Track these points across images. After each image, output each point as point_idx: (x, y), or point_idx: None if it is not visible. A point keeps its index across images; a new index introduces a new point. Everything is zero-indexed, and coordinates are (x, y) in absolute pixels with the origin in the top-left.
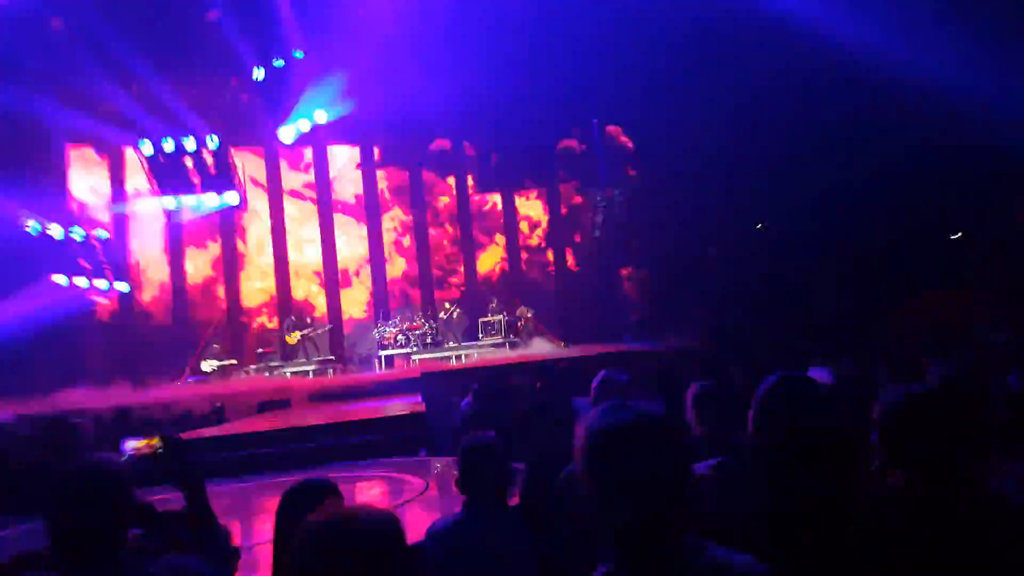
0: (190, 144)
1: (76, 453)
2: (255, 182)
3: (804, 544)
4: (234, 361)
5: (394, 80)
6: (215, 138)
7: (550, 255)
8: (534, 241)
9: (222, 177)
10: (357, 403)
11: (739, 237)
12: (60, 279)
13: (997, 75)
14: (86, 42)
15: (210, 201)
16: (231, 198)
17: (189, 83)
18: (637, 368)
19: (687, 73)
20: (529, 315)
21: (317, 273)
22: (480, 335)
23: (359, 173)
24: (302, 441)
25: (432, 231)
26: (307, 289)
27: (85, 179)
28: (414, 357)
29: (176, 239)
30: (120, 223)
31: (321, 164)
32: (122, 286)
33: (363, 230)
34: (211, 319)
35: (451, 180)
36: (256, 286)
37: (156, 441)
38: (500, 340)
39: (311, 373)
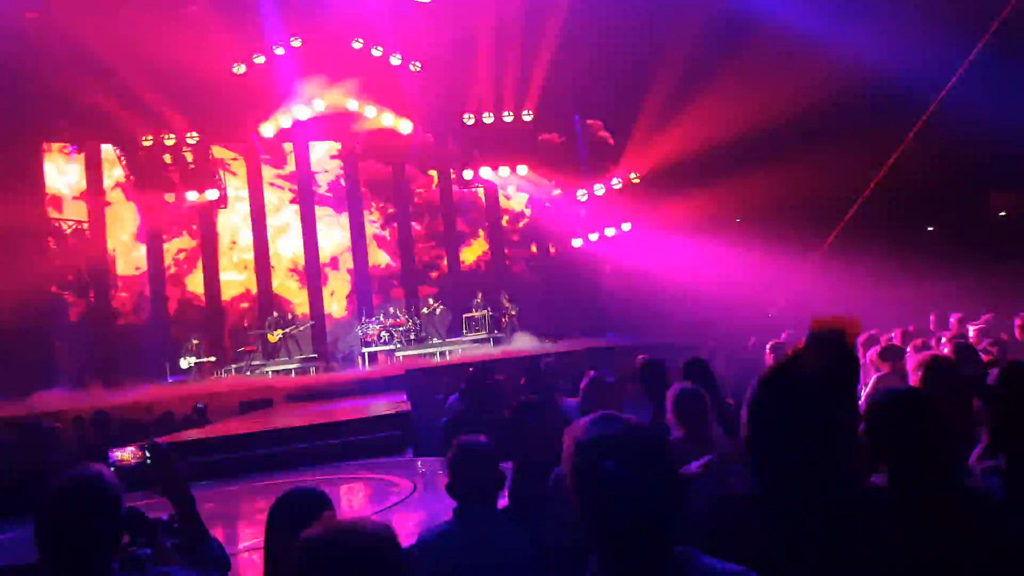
0: (169, 140)
1: (55, 458)
2: (224, 167)
3: (796, 538)
4: (213, 358)
5: (378, 75)
6: (195, 135)
7: (533, 248)
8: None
9: (202, 173)
10: (341, 402)
11: (721, 230)
12: None
13: (967, 68)
14: (61, 36)
15: (191, 198)
16: (212, 195)
17: (168, 78)
18: (621, 363)
19: (670, 66)
20: (513, 311)
21: (293, 270)
22: (464, 330)
23: (333, 164)
24: (286, 443)
25: (416, 225)
26: (280, 280)
27: (61, 175)
28: (398, 354)
29: (154, 236)
30: (96, 219)
31: (303, 160)
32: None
33: (337, 221)
34: (188, 315)
35: (433, 173)
36: (228, 279)
37: (142, 451)
38: (484, 335)
39: (293, 371)
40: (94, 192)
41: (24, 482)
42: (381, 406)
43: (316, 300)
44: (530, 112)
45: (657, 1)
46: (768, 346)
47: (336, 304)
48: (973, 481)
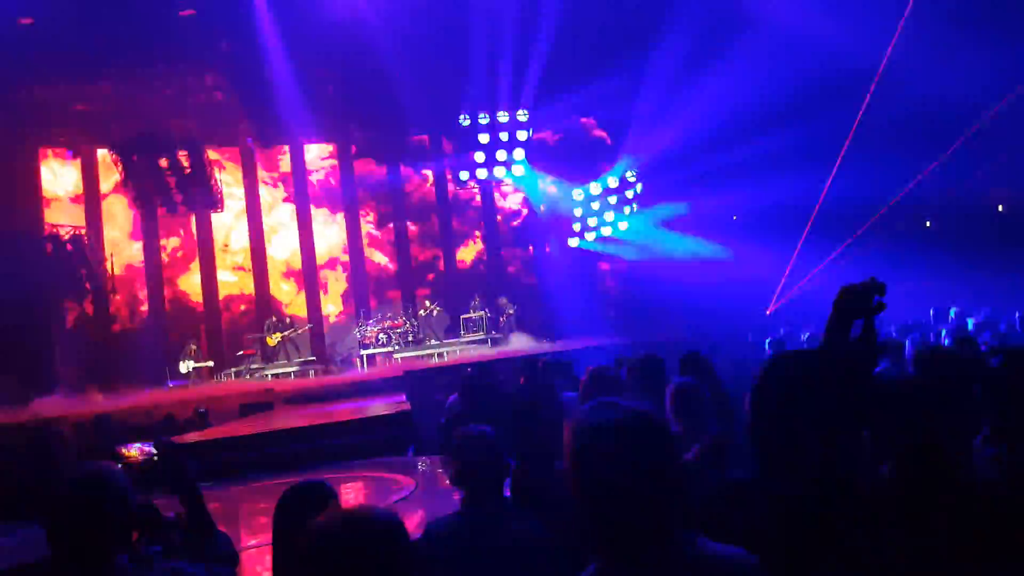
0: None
1: (60, 462)
2: (220, 166)
3: (797, 525)
4: (210, 363)
5: (371, 76)
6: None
7: (530, 248)
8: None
9: (198, 177)
10: (341, 404)
11: (717, 227)
12: None
13: (970, 61)
14: (57, 40)
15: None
16: (209, 202)
17: (163, 81)
18: (619, 360)
19: (663, 66)
20: (510, 310)
21: (288, 274)
22: (461, 331)
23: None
24: (287, 444)
25: (411, 226)
26: (273, 282)
27: (57, 179)
28: (396, 355)
29: (152, 244)
30: (94, 225)
31: (298, 163)
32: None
33: (333, 221)
34: (183, 317)
35: (428, 173)
36: (221, 279)
37: (152, 448)
38: (481, 336)
39: (292, 374)
40: (91, 197)
41: (31, 486)
42: (380, 407)
43: (314, 303)
44: (525, 112)
45: None
46: (767, 342)
47: (332, 306)
48: (975, 471)
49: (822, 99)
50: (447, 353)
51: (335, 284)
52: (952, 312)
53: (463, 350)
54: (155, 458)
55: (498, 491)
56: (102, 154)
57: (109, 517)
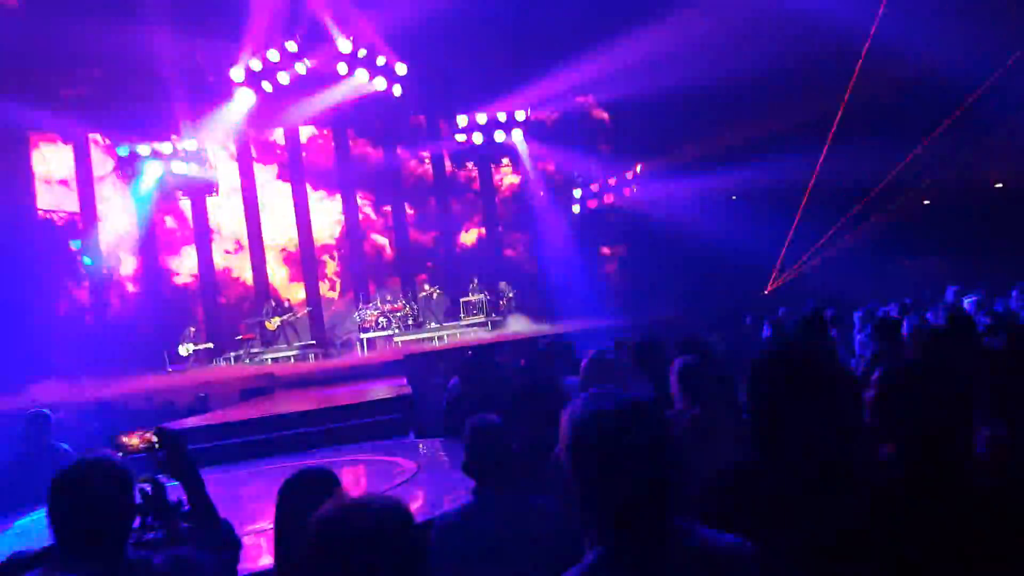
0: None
1: (59, 447)
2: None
3: (796, 509)
4: (210, 345)
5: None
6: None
7: (529, 232)
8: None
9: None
10: (341, 387)
11: (716, 207)
12: None
13: (971, 42)
14: (46, 23)
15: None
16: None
17: (156, 61)
18: (618, 342)
19: (661, 42)
20: (510, 293)
21: (286, 259)
22: (461, 314)
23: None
24: (289, 427)
25: (409, 209)
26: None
27: (50, 165)
28: (396, 339)
29: (149, 223)
30: (88, 209)
31: (294, 146)
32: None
33: (328, 203)
34: (179, 300)
35: (425, 154)
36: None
37: (151, 435)
38: (481, 319)
39: (293, 359)
40: (84, 182)
41: (30, 470)
42: (381, 390)
43: (312, 287)
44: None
45: None
46: (766, 322)
47: (329, 289)
48: (976, 453)
49: (814, 76)
50: (447, 336)
51: (331, 266)
52: (950, 292)
53: (463, 333)
54: (156, 445)
55: (508, 480)
56: (94, 138)
57: (108, 505)
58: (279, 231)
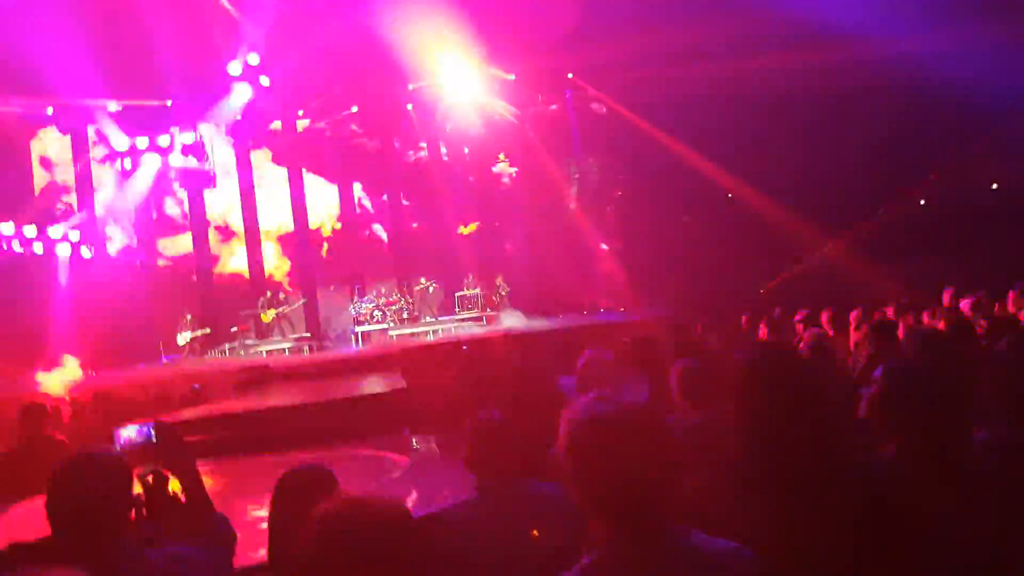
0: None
1: (55, 439)
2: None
3: (790, 509)
4: (207, 330)
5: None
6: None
7: (527, 225)
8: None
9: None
10: (336, 380)
11: (713, 204)
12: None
13: (962, 38)
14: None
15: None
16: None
17: (154, 54)
18: (614, 339)
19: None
20: (505, 289)
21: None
22: (457, 309)
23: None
24: (283, 421)
25: (405, 201)
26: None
27: (48, 152)
28: (391, 333)
29: (144, 211)
30: (86, 200)
31: (290, 135)
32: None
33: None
34: (175, 287)
35: (424, 144)
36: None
37: (147, 429)
38: (477, 314)
39: (287, 351)
40: (81, 171)
41: (27, 461)
42: (376, 384)
43: (308, 277)
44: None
45: None
46: (763, 321)
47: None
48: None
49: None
50: (442, 331)
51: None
52: (946, 294)
53: (458, 328)
54: (152, 438)
55: (511, 476)
56: (92, 128)
57: (109, 499)
58: (275, 221)
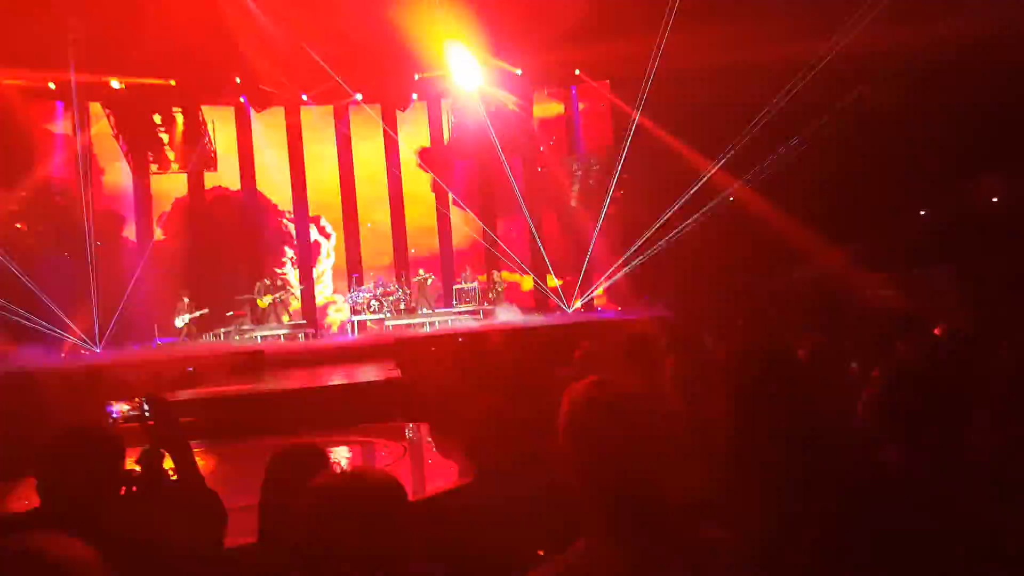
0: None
1: (46, 415)
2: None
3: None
4: (206, 310)
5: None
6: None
7: (525, 219)
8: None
9: (191, 134)
10: (331, 368)
11: (713, 207)
12: None
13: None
14: None
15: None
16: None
17: (156, 36)
18: (611, 338)
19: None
20: (501, 287)
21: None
22: (454, 302)
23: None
24: (277, 406)
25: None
26: None
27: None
28: (387, 323)
29: (143, 196)
30: (85, 178)
31: (295, 126)
32: None
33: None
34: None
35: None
36: None
37: (140, 404)
38: (474, 307)
39: (283, 337)
40: (82, 150)
41: (17, 436)
42: (371, 373)
43: (305, 266)
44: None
45: None
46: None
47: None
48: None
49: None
50: (439, 323)
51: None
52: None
53: (455, 321)
54: (145, 414)
55: (509, 461)
56: (94, 107)
57: (100, 474)
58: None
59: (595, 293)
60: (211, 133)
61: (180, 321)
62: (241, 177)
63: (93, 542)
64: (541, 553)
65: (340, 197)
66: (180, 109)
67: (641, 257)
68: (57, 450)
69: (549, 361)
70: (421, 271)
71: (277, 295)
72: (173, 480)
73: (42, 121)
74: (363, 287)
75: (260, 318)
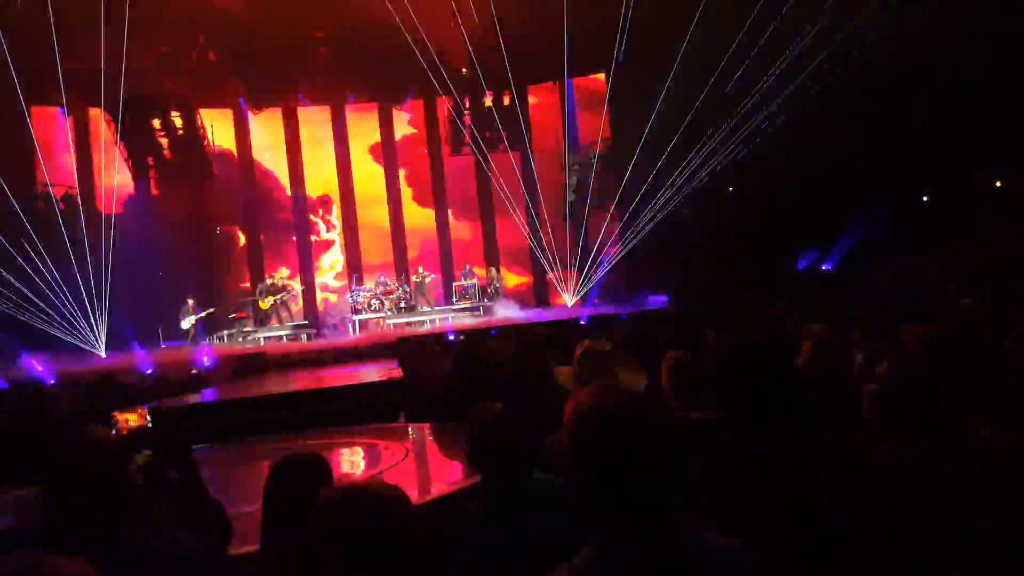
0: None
1: (52, 421)
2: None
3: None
4: (211, 309)
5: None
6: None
7: (527, 216)
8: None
9: (190, 138)
10: (333, 368)
11: (712, 199)
12: None
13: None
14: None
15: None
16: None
17: (156, 41)
18: (611, 332)
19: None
20: (498, 283)
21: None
22: (453, 299)
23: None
24: (279, 407)
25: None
26: None
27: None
28: (388, 322)
29: (145, 201)
30: (87, 183)
31: (293, 127)
32: None
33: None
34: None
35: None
36: None
37: (147, 413)
38: (473, 304)
39: (285, 338)
40: (83, 156)
41: (26, 443)
42: (372, 372)
43: (307, 266)
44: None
45: None
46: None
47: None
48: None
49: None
50: (439, 320)
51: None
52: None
53: (455, 318)
54: (149, 424)
55: (515, 467)
56: (95, 113)
57: (105, 484)
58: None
59: (593, 286)
60: (210, 136)
61: (186, 323)
62: (241, 176)
63: (97, 553)
64: None
65: (340, 200)
66: (179, 114)
67: (639, 241)
68: (62, 461)
69: (549, 359)
70: (420, 268)
71: (278, 296)
72: (176, 490)
73: (43, 127)
74: (363, 286)
75: (262, 319)
